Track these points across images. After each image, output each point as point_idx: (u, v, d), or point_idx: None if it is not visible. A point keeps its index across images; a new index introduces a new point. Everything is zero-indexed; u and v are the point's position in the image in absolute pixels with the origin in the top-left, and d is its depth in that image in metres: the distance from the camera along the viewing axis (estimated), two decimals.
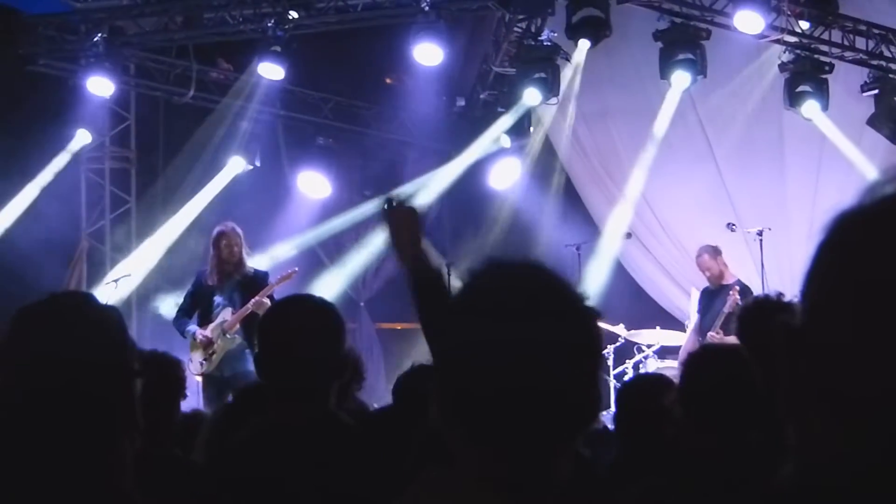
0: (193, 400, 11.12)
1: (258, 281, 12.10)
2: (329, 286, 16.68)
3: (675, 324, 15.34)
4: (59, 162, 16.05)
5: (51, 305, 2.79)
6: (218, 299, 12.12)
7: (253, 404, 4.97)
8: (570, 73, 16.08)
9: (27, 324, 2.75)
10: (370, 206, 17.77)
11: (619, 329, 14.49)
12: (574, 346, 2.10)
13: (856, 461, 1.33)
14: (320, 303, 4.34)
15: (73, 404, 2.64)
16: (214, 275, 12.15)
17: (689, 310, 14.46)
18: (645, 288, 17.61)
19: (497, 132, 17.15)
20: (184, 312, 12.35)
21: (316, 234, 17.50)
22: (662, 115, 16.17)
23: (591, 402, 2.13)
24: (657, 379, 5.84)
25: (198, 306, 12.27)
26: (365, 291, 18.43)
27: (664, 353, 14.37)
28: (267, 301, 11.67)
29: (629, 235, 16.05)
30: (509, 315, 2.07)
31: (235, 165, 16.88)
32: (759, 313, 6.46)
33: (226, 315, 12.00)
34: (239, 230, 12.34)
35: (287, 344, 4.10)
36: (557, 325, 2.08)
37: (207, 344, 11.98)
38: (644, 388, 5.12)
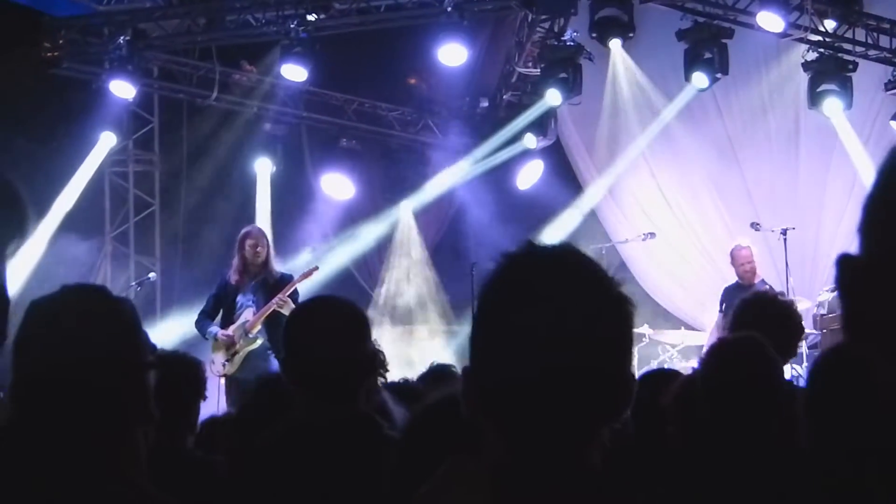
0: (214, 401, 11.16)
1: (282, 283, 12.09)
2: (343, 279, 16.68)
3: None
4: (89, 167, 16.10)
5: (62, 297, 2.79)
6: (241, 300, 12.12)
7: (276, 403, 4.96)
8: (615, 71, 16.20)
9: (39, 315, 2.75)
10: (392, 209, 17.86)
11: (644, 329, 14.43)
12: (609, 333, 2.09)
13: None
14: (345, 303, 4.34)
15: (83, 395, 2.64)
16: (237, 274, 12.15)
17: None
18: (648, 290, 17.43)
19: (513, 131, 17.15)
20: (206, 314, 12.33)
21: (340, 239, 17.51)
22: (670, 111, 16.23)
23: (624, 390, 2.12)
24: (664, 375, 5.78)
25: (221, 308, 12.29)
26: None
27: (688, 352, 14.32)
28: (289, 300, 11.70)
29: (653, 235, 15.92)
30: (545, 300, 2.06)
31: (263, 168, 16.91)
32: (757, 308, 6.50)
33: (248, 315, 12.00)
34: (266, 232, 12.38)
35: (312, 345, 4.12)
36: (593, 311, 2.08)
37: (229, 344, 11.98)
38: (650, 384, 5.07)
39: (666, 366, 14.09)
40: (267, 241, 12.25)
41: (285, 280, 12.17)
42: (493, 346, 2.11)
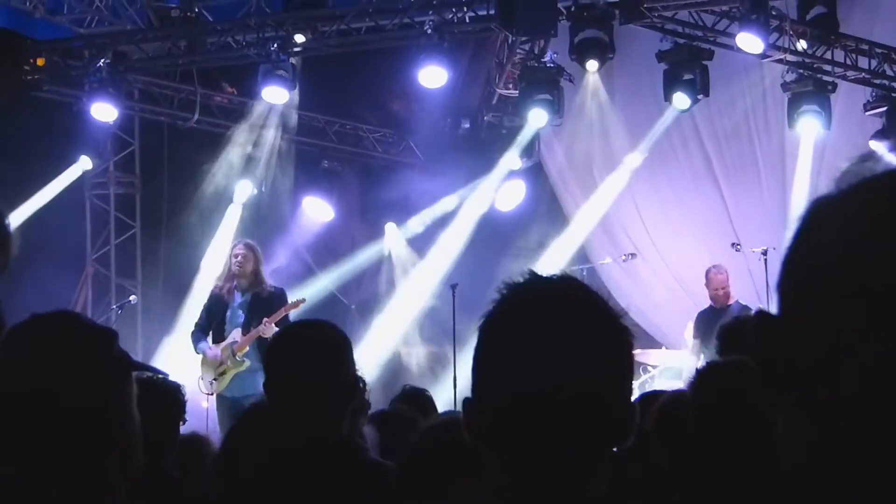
0: (201, 421, 11.25)
1: (273, 300, 12.16)
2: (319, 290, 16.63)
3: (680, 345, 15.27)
4: (55, 188, 16.04)
5: (29, 324, 2.79)
6: (230, 315, 12.18)
7: (261, 427, 4.96)
8: (587, 93, 16.20)
9: (8, 341, 2.76)
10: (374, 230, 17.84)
11: None
12: (610, 362, 2.11)
13: (824, 461, 1.32)
14: (327, 327, 4.33)
15: (56, 420, 2.65)
16: (222, 284, 12.30)
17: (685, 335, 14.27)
18: (629, 311, 17.36)
19: (512, 156, 17.11)
20: (200, 328, 12.47)
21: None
22: (653, 134, 16.22)
23: (626, 418, 2.15)
24: (652, 396, 5.76)
25: (213, 321, 12.36)
26: (357, 295, 18.35)
27: (670, 373, 14.30)
28: (274, 326, 11.72)
29: (633, 256, 15.90)
30: (547, 331, 2.09)
31: (244, 190, 16.91)
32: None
33: (236, 335, 12.07)
34: (255, 247, 12.42)
35: (293, 369, 4.10)
36: (594, 341, 2.10)
37: (218, 364, 12.05)
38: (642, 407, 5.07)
39: (647, 387, 14.11)
40: (254, 255, 12.30)
41: (275, 296, 12.25)
42: (497, 376, 2.12)
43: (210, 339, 12.33)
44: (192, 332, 12.54)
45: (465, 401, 2.20)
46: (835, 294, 1.29)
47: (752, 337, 1.41)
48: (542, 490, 2.08)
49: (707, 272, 13.55)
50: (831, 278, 1.31)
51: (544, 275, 2.21)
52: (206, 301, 12.65)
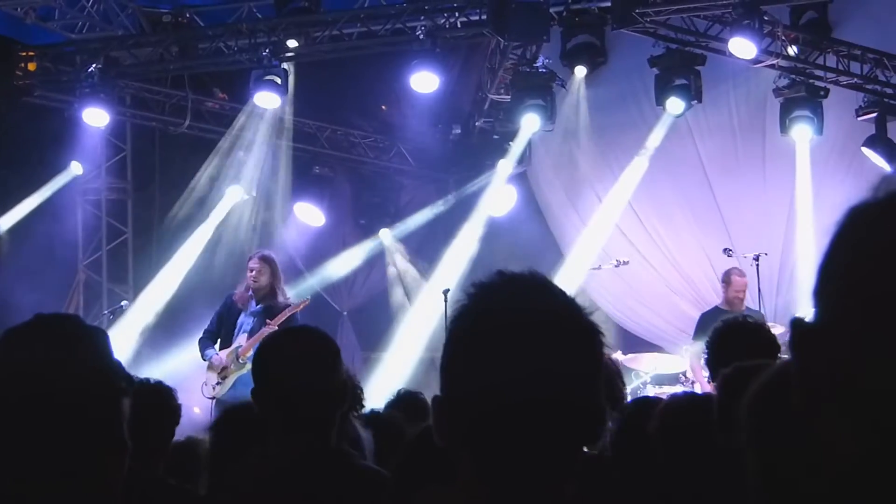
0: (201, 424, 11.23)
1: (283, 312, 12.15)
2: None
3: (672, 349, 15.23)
4: (46, 193, 16.05)
5: (33, 324, 2.79)
6: (242, 321, 12.27)
7: (248, 433, 4.94)
8: (574, 99, 16.17)
9: (11, 343, 2.75)
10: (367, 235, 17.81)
11: (616, 355, 14.31)
12: (579, 362, 2.08)
13: (863, 467, 1.31)
14: (315, 334, 4.32)
15: (54, 421, 2.64)
16: (241, 295, 12.34)
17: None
18: (623, 316, 17.34)
19: (507, 161, 17.07)
20: (209, 334, 12.53)
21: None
22: (651, 142, 16.15)
23: (596, 420, 2.11)
24: (650, 402, 5.75)
25: (223, 328, 12.39)
26: (349, 301, 18.35)
27: (661, 379, 14.25)
28: (277, 329, 11.72)
29: (626, 262, 15.79)
30: (518, 338, 2.05)
31: (233, 195, 16.88)
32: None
33: (241, 340, 12.11)
34: (270, 259, 12.42)
35: (282, 376, 4.09)
36: (566, 347, 2.07)
37: (221, 367, 12.07)
38: (639, 412, 5.04)
39: (639, 393, 14.05)
40: (270, 267, 12.31)
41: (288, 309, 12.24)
42: (464, 376, 2.09)
43: (219, 345, 12.36)
44: (200, 339, 12.58)
45: (435, 400, 2.17)
46: (874, 300, 1.29)
47: (790, 345, 1.41)
48: (514, 493, 2.06)
49: (729, 273, 13.37)
50: (870, 285, 1.30)
51: (512, 274, 2.17)
52: (218, 307, 12.66)
